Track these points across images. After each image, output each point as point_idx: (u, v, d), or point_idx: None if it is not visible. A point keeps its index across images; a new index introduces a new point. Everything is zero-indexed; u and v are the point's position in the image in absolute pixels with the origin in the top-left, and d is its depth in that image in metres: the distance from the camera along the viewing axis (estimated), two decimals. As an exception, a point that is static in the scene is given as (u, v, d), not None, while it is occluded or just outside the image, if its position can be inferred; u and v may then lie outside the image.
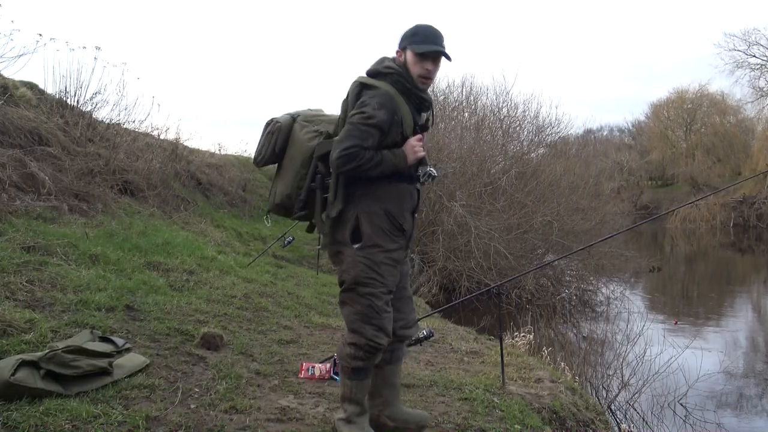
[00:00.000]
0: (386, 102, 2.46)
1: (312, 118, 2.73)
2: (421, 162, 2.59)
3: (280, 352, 4.03)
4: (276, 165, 2.78)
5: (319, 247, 2.70)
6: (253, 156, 2.80)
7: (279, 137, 2.69)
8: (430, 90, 2.76)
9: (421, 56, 2.53)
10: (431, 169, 2.60)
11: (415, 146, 2.53)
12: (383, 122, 2.45)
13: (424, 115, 2.69)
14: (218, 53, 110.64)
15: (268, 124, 2.76)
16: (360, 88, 2.54)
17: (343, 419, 2.63)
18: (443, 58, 2.59)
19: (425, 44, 2.53)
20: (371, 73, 2.61)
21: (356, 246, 2.50)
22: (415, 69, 2.55)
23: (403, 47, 2.58)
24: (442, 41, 2.57)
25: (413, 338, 3.65)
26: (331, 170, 2.50)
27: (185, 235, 7.27)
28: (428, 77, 2.58)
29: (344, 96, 2.63)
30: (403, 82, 2.55)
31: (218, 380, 3.23)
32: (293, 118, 2.75)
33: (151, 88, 26.58)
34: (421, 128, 2.61)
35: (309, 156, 2.60)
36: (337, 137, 2.49)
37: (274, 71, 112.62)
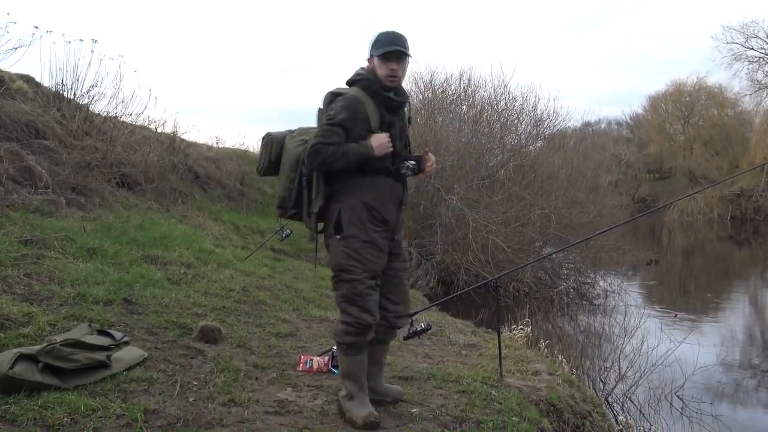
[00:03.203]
0: (349, 104, 2.78)
1: (304, 130, 3.02)
2: (397, 156, 2.85)
3: (279, 345, 4.03)
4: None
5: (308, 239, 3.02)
6: (255, 159, 3.02)
7: (273, 148, 3.01)
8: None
9: (384, 58, 2.79)
10: (410, 162, 2.85)
11: (383, 140, 2.77)
12: (345, 120, 2.76)
13: (407, 114, 3.00)
14: (217, 46, 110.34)
15: (263, 138, 3.07)
16: (332, 98, 2.88)
17: (345, 396, 2.87)
18: (409, 58, 2.84)
19: (385, 47, 2.79)
20: (348, 82, 2.91)
21: (338, 237, 2.81)
22: (381, 71, 2.81)
23: (370, 55, 2.85)
24: (403, 42, 2.82)
25: (411, 331, 3.72)
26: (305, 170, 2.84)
27: (183, 229, 7.26)
28: (394, 75, 2.81)
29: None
30: (370, 85, 2.83)
31: (216, 373, 3.24)
32: (290, 131, 3.06)
33: (148, 81, 26.34)
34: (387, 125, 2.85)
35: (296, 161, 2.90)
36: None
37: (274, 65, 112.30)
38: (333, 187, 2.83)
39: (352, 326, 2.78)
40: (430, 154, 2.97)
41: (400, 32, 2.86)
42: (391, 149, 2.80)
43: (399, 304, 2.97)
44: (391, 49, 2.77)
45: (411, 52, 2.85)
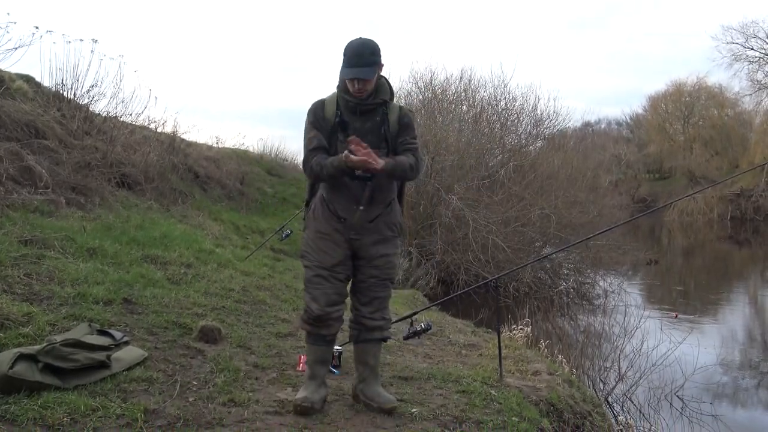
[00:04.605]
0: (312, 107, 2.95)
1: None
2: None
3: (278, 345, 4.03)
4: None
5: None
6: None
7: None
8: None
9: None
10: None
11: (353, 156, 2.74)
12: (312, 122, 2.92)
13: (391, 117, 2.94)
14: (217, 46, 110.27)
15: None
16: None
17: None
18: (378, 69, 2.84)
19: (345, 69, 2.82)
20: None
21: (305, 227, 3.03)
22: (348, 86, 2.87)
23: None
24: (364, 62, 2.79)
25: (411, 331, 3.72)
26: None
27: (183, 229, 7.26)
28: (358, 92, 2.85)
29: None
30: (340, 91, 2.92)
31: (216, 373, 3.24)
32: None
33: (148, 81, 26.30)
34: (342, 124, 2.89)
35: None
36: None
37: (274, 65, 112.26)
38: (316, 186, 3.06)
39: (305, 313, 2.94)
40: (363, 148, 2.73)
41: (365, 44, 2.80)
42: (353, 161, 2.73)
43: (366, 305, 2.99)
44: (347, 76, 2.82)
45: (381, 59, 2.81)
